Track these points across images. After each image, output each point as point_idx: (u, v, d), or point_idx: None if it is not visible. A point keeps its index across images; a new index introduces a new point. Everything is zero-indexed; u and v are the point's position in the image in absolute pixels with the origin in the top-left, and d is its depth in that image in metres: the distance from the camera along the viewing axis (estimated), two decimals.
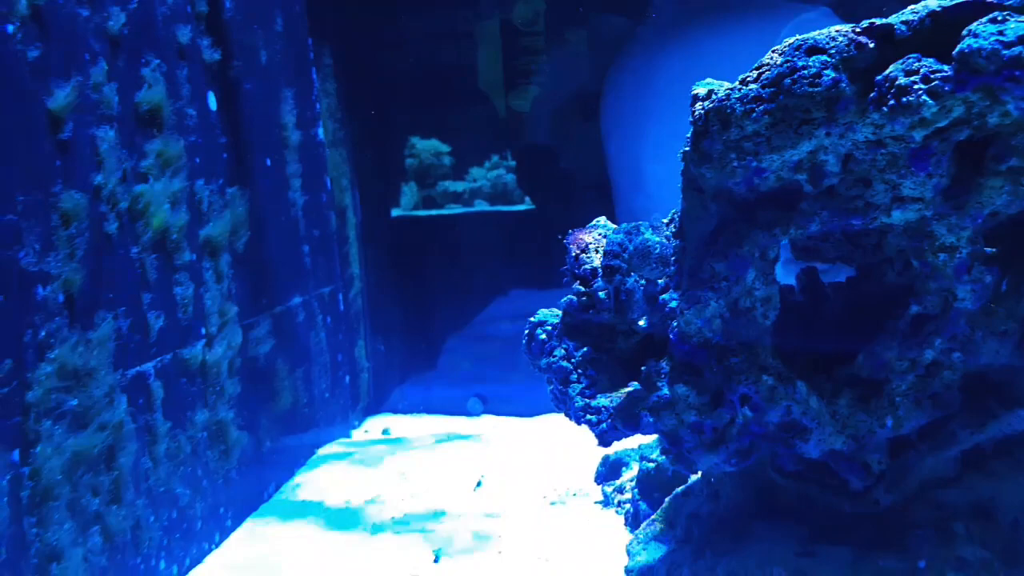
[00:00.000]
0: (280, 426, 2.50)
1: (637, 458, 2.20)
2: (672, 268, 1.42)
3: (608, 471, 2.37)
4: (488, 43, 4.00)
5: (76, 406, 1.58)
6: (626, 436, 1.38)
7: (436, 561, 2.01)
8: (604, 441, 1.39)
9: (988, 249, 1.32)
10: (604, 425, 1.35)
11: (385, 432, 3.16)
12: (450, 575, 1.94)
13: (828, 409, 1.31)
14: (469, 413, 3.42)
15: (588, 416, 1.37)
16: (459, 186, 4.19)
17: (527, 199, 4.15)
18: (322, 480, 2.58)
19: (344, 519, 2.29)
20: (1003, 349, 1.42)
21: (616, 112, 3.28)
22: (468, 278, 3.86)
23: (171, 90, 1.93)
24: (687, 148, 1.34)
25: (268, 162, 2.46)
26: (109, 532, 1.68)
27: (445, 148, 4.18)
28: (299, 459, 2.69)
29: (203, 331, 2.06)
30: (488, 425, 3.23)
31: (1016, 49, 1.06)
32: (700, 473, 1.92)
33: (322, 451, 2.84)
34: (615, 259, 1.36)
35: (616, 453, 2.40)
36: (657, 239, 1.40)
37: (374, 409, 3.46)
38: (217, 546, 2.13)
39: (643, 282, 1.37)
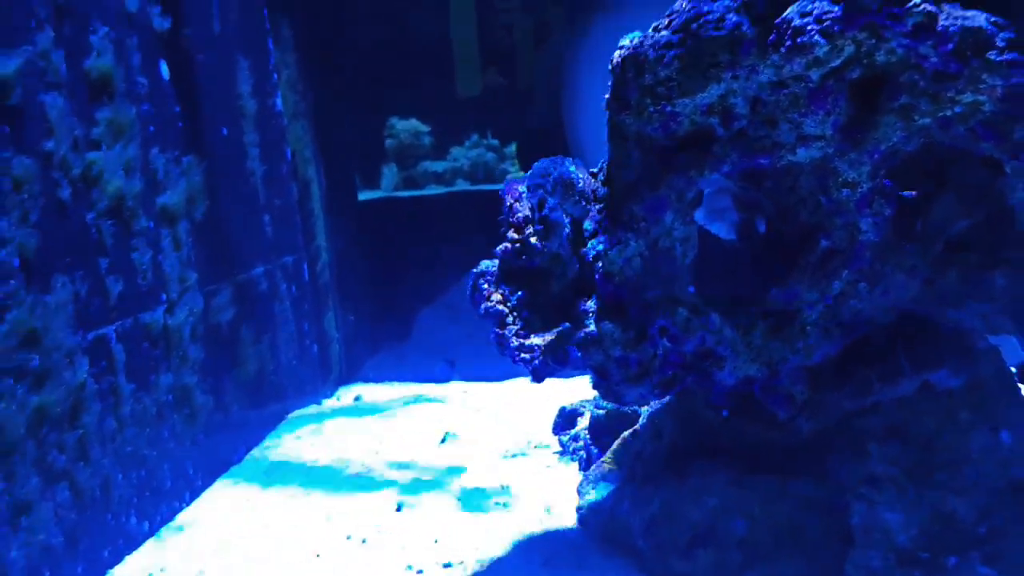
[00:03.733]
0: (247, 392, 2.57)
1: (591, 407, 2.29)
2: (600, 212, 1.49)
3: (564, 421, 2.46)
4: (463, 19, 4.02)
5: (37, 367, 1.64)
6: (557, 371, 1.46)
7: (398, 510, 2.10)
8: (537, 377, 1.47)
9: (894, 186, 1.41)
10: (537, 362, 1.43)
11: (357, 399, 3.24)
12: (410, 521, 2.03)
13: (743, 338, 1.40)
14: (438, 379, 3.50)
15: (522, 354, 1.45)
16: (439, 166, 4.21)
17: (507, 178, 4.18)
18: (291, 443, 2.66)
19: (311, 477, 2.37)
20: (911, 284, 1.51)
21: (571, 83, 3.36)
22: (444, 255, 3.91)
23: (121, 58, 1.97)
24: (608, 96, 1.41)
25: (224, 131, 2.50)
26: (78, 488, 1.75)
27: (424, 128, 4.20)
28: (268, 424, 2.76)
29: (164, 297, 2.12)
30: (457, 389, 3.31)
31: None
32: (645, 416, 2.02)
33: (292, 416, 2.92)
34: (538, 179, 1.43)
35: (572, 404, 2.50)
36: (581, 175, 1.48)
37: (347, 379, 3.53)
38: (188, 504, 2.20)
39: (568, 219, 1.44)
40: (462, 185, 4.18)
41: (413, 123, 4.20)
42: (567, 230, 1.47)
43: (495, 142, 4.26)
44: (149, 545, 1.99)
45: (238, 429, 2.52)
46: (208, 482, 2.33)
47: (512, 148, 4.19)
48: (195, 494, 2.25)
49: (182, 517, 2.15)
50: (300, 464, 2.47)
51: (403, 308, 4.12)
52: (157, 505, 2.06)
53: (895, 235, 1.48)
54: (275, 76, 2.88)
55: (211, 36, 2.45)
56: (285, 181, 2.93)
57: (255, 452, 2.60)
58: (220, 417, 2.39)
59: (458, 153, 4.22)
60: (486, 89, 4.12)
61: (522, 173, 4.10)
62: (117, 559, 1.89)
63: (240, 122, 2.60)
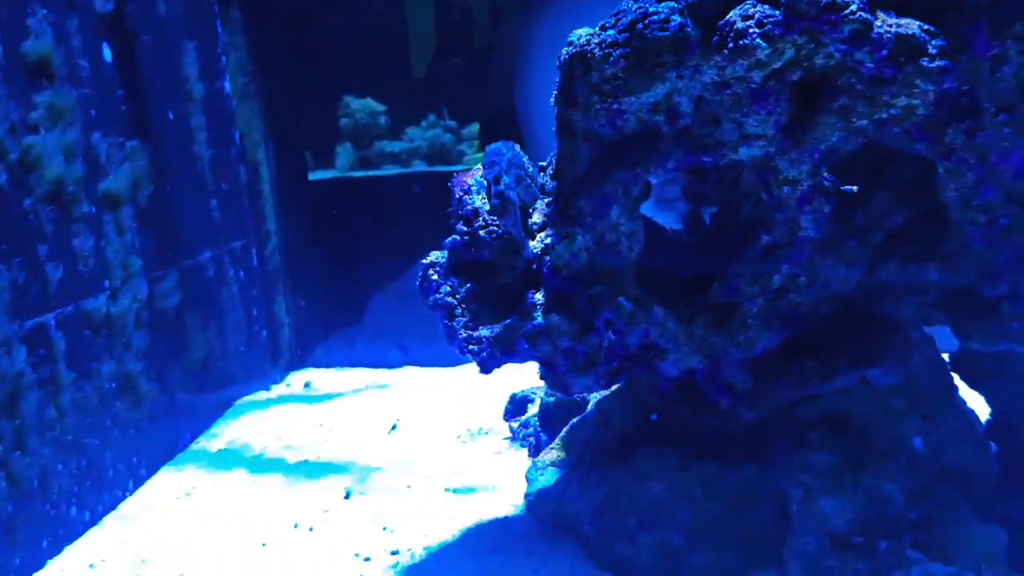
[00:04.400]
0: (193, 379, 2.54)
1: (542, 394, 2.32)
2: (548, 206, 1.51)
3: (515, 408, 2.49)
4: (420, 1, 3.97)
5: None
6: (505, 363, 1.48)
7: (347, 497, 2.10)
8: (485, 368, 1.48)
9: (827, 181, 1.45)
10: (484, 354, 1.45)
11: (307, 385, 3.22)
12: (359, 508, 2.03)
13: (685, 331, 1.43)
14: (390, 364, 3.49)
15: (470, 346, 1.46)
16: (396, 146, 4.16)
17: (465, 160, 4.16)
18: (238, 430, 2.63)
19: (259, 464, 2.35)
20: (852, 276, 1.57)
21: (520, 71, 3.36)
22: (395, 237, 3.88)
23: (60, 40, 1.91)
24: (556, 92, 1.43)
25: (170, 115, 2.45)
26: (14, 478, 1.72)
27: (380, 107, 4.14)
28: (216, 411, 2.73)
29: (106, 284, 2.07)
30: (409, 375, 3.31)
31: None
32: (593, 404, 2.05)
33: (239, 402, 2.89)
34: (493, 158, 1.45)
35: (523, 391, 2.52)
36: (529, 163, 1.49)
37: (297, 364, 3.50)
38: (131, 493, 2.17)
39: (519, 200, 1.46)
40: (419, 166, 4.14)
41: (369, 102, 4.15)
42: (519, 215, 1.48)
43: (452, 123, 4.23)
44: (91, 535, 1.96)
45: (184, 416, 2.49)
46: (153, 470, 2.30)
47: (470, 129, 4.17)
48: (139, 482, 2.22)
49: (125, 506, 2.12)
50: (246, 452, 2.46)
51: (356, 291, 4.09)
52: (99, 494, 2.03)
53: (836, 228, 1.53)
54: (223, 59, 2.82)
55: (156, 18, 2.39)
56: (233, 165, 2.89)
57: (201, 439, 2.57)
58: (165, 404, 2.36)
59: (415, 134, 4.18)
60: (443, 70, 4.09)
61: (480, 155, 4.10)
62: (56, 550, 1.86)
63: (187, 106, 2.55)
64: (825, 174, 1.64)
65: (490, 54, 4.03)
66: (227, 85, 2.86)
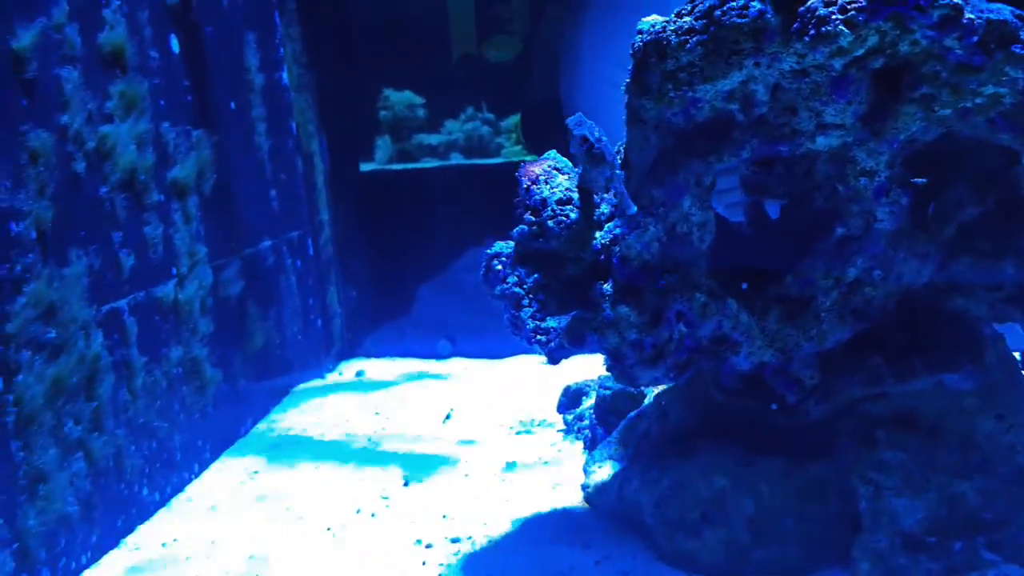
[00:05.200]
0: (254, 365, 2.59)
1: (596, 387, 2.32)
2: (616, 196, 1.50)
3: (569, 401, 2.49)
4: None
5: (54, 338, 1.65)
6: (573, 354, 1.48)
7: (406, 485, 2.13)
8: (553, 359, 1.49)
9: (906, 173, 1.42)
10: (553, 344, 1.45)
11: (359, 374, 3.26)
12: (418, 496, 2.06)
13: (758, 324, 1.42)
14: (439, 354, 3.52)
15: (538, 336, 1.47)
16: (434, 139, 4.17)
17: (503, 152, 4.15)
18: (296, 417, 2.68)
19: (319, 451, 2.39)
20: (924, 270, 1.54)
21: (572, 60, 3.34)
22: (442, 229, 3.89)
23: (133, 32, 1.96)
24: (628, 80, 1.42)
25: (232, 105, 2.49)
26: (92, 458, 1.77)
27: (419, 100, 4.15)
28: (274, 398, 2.78)
29: (174, 271, 2.12)
30: (458, 366, 3.33)
31: None
32: (651, 397, 2.04)
33: (297, 389, 2.94)
34: (581, 119, 1.47)
35: (577, 384, 2.52)
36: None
37: (348, 353, 3.54)
38: (197, 476, 2.23)
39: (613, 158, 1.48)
40: (457, 159, 4.15)
41: (408, 95, 4.16)
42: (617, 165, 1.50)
43: (491, 116, 4.22)
44: (161, 515, 2.02)
45: (245, 402, 2.54)
46: (216, 454, 2.35)
47: (509, 122, 4.16)
48: (204, 466, 2.28)
49: (191, 489, 2.17)
50: (306, 438, 2.50)
51: (403, 282, 4.12)
52: (168, 476, 2.09)
53: (909, 222, 1.50)
54: (281, 50, 2.86)
55: (219, 9, 2.43)
56: (291, 155, 2.93)
57: (261, 425, 2.62)
58: (228, 390, 2.41)
59: (453, 126, 4.18)
60: (483, 61, 4.09)
61: (519, 148, 4.09)
62: (130, 528, 1.92)
63: (248, 96, 2.59)
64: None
65: (531, 45, 4.01)
66: (285, 76, 2.90)
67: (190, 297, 2.17)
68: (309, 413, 2.71)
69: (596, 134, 1.44)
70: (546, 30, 3.95)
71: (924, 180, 1.60)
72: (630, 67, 1.40)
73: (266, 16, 2.78)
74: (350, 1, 3.69)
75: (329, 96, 3.39)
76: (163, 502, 2.05)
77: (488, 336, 3.52)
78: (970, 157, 1.50)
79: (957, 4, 1.14)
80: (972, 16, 1.15)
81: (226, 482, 2.21)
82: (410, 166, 4.04)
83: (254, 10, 2.67)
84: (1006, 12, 1.17)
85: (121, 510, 1.88)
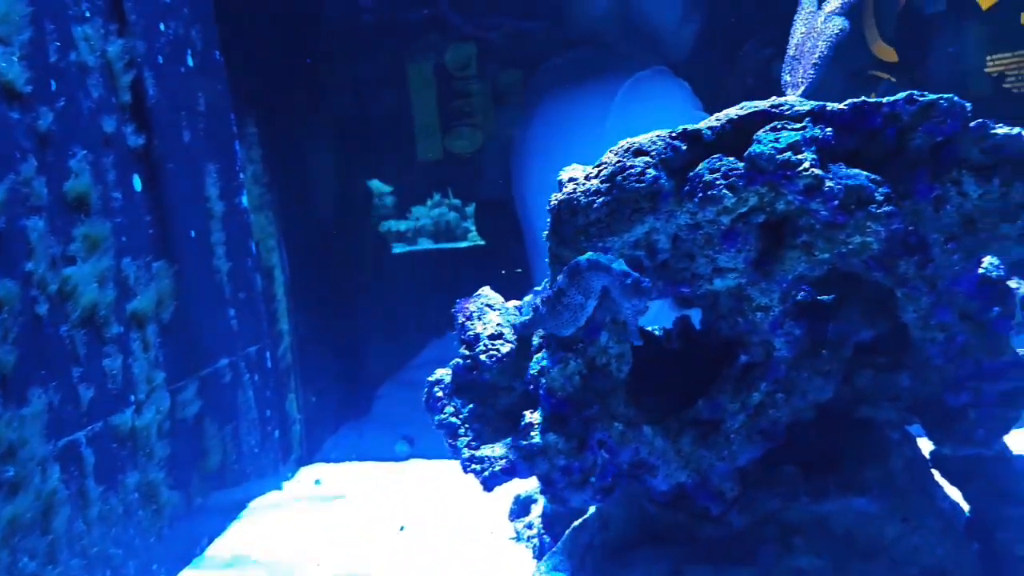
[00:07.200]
0: (210, 483, 2.64)
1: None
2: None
3: (519, 508, 2.57)
4: (422, 87, 4.19)
5: (12, 477, 1.72)
6: (505, 480, 1.59)
7: (401, 529, 2.16)
8: (487, 486, 1.60)
9: (804, 292, 1.59)
10: (487, 473, 1.56)
11: (317, 483, 3.30)
12: None
13: (673, 447, 1.55)
14: (397, 457, 3.58)
15: (473, 465, 1.58)
16: (403, 225, 4.30)
17: (469, 236, 4.28)
18: (252, 534, 2.71)
19: (272, 568, 2.43)
20: (828, 386, 1.69)
21: (516, 162, 3.56)
22: (408, 320, 3.97)
23: (97, 177, 2.10)
24: (548, 231, 1.58)
25: (192, 234, 2.63)
26: None
27: (387, 188, 4.31)
28: (230, 513, 2.81)
29: (132, 398, 2.20)
30: (416, 469, 3.39)
31: (787, 154, 1.33)
32: (594, 508, 2.14)
33: (253, 504, 2.97)
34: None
35: (527, 492, 2.61)
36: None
37: (307, 459, 3.58)
38: None
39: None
40: (425, 243, 4.28)
41: (375, 184, 4.31)
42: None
43: (457, 202, 4.37)
44: None
45: (202, 520, 2.58)
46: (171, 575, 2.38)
47: (473, 207, 4.31)
48: None
49: None
50: (261, 556, 2.53)
51: (363, 381, 4.19)
52: None
53: (810, 343, 1.66)
54: (240, 176, 3.02)
55: (181, 146, 2.59)
56: (250, 274, 3.05)
57: (217, 543, 2.65)
58: (184, 509, 2.46)
59: (420, 212, 4.32)
60: (446, 153, 4.28)
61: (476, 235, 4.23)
62: None
63: (208, 223, 2.73)
64: (805, 289, 1.79)
65: (488, 139, 4.22)
66: (244, 199, 3.05)
67: (147, 423, 2.25)
68: (265, 529, 2.75)
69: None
70: (499, 131, 4.18)
71: (826, 298, 1.79)
72: (548, 219, 1.57)
73: (226, 145, 2.95)
74: (317, 105, 3.87)
75: (292, 205, 3.53)
76: None
77: None
78: (860, 286, 1.68)
79: (818, 175, 1.33)
80: (832, 184, 1.34)
81: None
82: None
83: (214, 141, 2.83)
84: (862, 178, 1.36)
85: None
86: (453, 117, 4.20)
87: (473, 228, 4.27)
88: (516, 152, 3.66)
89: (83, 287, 1.99)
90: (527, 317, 1.57)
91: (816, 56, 2.27)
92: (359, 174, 4.25)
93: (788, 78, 2.27)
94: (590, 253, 1.44)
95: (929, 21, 3.28)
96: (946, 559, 1.74)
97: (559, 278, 1.46)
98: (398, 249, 4.30)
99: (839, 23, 2.31)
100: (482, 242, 4.31)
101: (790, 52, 2.32)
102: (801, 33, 2.30)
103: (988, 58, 3.19)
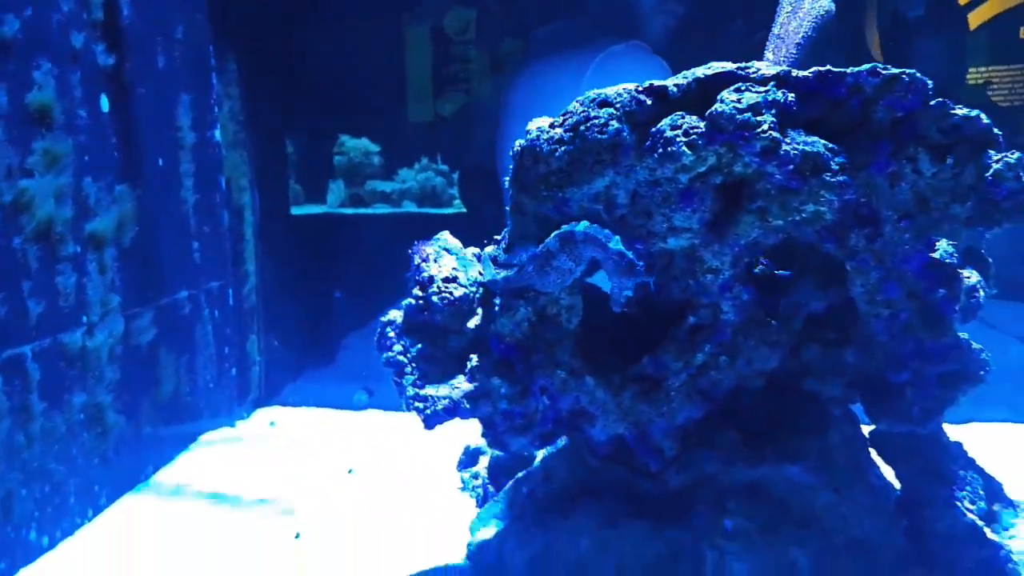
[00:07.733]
0: (161, 412, 2.63)
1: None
2: None
3: (468, 459, 2.59)
4: (418, 49, 4.14)
5: None
6: (446, 419, 1.60)
7: (297, 538, 2.20)
8: (428, 424, 1.61)
9: (762, 265, 1.61)
10: (429, 411, 1.57)
11: (271, 424, 3.30)
12: (309, 550, 2.12)
13: (614, 400, 1.57)
14: (355, 406, 3.59)
15: (416, 403, 1.59)
16: (388, 186, 4.28)
17: (454, 203, 4.26)
18: (200, 465, 2.72)
19: (215, 499, 2.44)
20: (774, 356, 1.72)
21: (499, 130, 3.54)
22: (374, 277, 3.97)
23: (62, 92, 2.06)
24: (510, 177, 1.58)
25: (160, 162, 2.59)
26: None
27: (375, 148, 4.27)
28: (180, 444, 2.82)
29: (84, 319, 2.19)
30: (372, 418, 3.41)
31: (746, 115, 1.34)
32: (539, 459, 2.17)
33: (204, 437, 2.97)
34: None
35: (478, 444, 2.63)
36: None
37: (264, 401, 3.58)
38: (90, 520, 2.25)
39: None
40: (409, 207, 4.25)
41: (363, 143, 4.28)
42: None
43: (444, 167, 4.35)
44: (47, 558, 2.04)
45: (149, 448, 2.58)
46: (112, 499, 2.38)
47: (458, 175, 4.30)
48: (98, 510, 2.30)
49: (82, 532, 2.20)
50: (204, 485, 2.54)
51: (331, 331, 4.18)
52: (59, 520, 2.11)
53: (759, 312, 1.68)
54: (216, 109, 2.98)
55: (154, 72, 2.55)
56: (217, 209, 3.02)
57: (163, 471, 2.65)
58: (132, 435, 2.45)
59: (406, 175, 4.30)
60: (437, 117, 4.25)
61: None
62: (12, 571, 1.94)
63: (177, 153, 2.69)
64: (763, 263, 1.81)
65: (478, 106, 4.19)
66: (217, 134, 3.01)
67: (98, 345, 2.23)
68: (213, 461, 2.75)
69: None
70: (487, 96, 4.14)
71: (784, 272, 1.81)
72: (511, 166, 1.57)
73: (203, 78, 2.90)
74: (306, 56, 3.81)
75: (269, 149, 3.49)
76: (51, 545, 2.08)
77: None
78: (813, 256, 1.70)
79: (775, 138, 1.34)
80: (788, 148, 1.35)
81: (116, 526, 2.24)
82: (356, 211, 4.11)
83: (191, 72, 2.79)
84: (819, 145, 1.37)
85: (5, 552, 1.91)
86: (447, 81, 4.16)
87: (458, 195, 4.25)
88: (500, 120, 3.65)
89: (40, 201, 1.96)
90: (510, 273, 1.54)
91: (800, 36, 2.27)
92: (340, 129, 4.20)
93: (771, 56, 2.27)
94: (585, 223, 1.44)
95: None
96: (873, 532, 1.78)
97: (549, 240, 1.47)
98: (381, 210, 4.26)
99: (825, 4, 2.31)
100: (464, 210, 4.31)
101: (775, 30, 2.32)
102: (787, 12, 2.30)
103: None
